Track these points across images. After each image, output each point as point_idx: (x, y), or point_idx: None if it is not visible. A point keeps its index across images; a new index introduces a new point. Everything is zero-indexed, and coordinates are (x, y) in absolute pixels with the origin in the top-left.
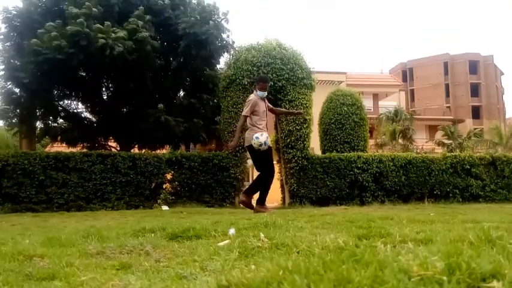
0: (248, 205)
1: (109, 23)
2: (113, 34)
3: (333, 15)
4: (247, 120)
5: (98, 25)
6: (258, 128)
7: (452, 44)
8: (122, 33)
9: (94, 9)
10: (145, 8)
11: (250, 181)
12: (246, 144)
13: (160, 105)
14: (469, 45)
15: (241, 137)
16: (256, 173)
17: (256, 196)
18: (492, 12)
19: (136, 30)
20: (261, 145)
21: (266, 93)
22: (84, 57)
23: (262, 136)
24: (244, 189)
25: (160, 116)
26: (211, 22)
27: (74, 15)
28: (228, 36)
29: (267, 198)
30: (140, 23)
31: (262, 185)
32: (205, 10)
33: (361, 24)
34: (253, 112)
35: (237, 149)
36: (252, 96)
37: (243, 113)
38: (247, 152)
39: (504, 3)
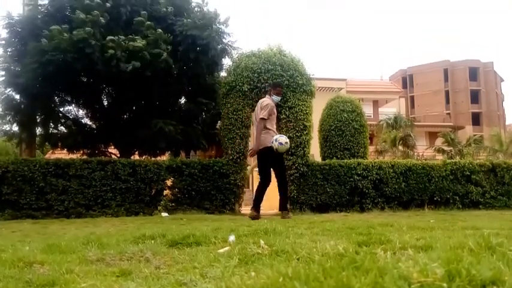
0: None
1: (123, 37)
2: (131, 42)
3: (333, 15)
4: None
5: (111, 37)
6: (273, 131)
7: (452, 45)
8: (140, 43)
9: (101, 18)
10: (149, 15)
11: (250, 188)
12: (261, 147)
13: (167, 121)
14: (469, 46)
15: (240, 143)
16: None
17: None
18: (493, 12)
19: (157, 43)
20: (281, 143)
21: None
22: (88, 63)
23: (282, 137)
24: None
25: (164, 126)
26: (214, 26)
27: (80, 21)
28: (228, 42)
29: (269, 205)
30: (164, 36)
31: (261, 192)
32: (205, 17)
33: (360, 26)
34: (269, 116)
35: (237, 155)
36: (269, 101)
37: (262, 116)
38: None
39: (505, 5)
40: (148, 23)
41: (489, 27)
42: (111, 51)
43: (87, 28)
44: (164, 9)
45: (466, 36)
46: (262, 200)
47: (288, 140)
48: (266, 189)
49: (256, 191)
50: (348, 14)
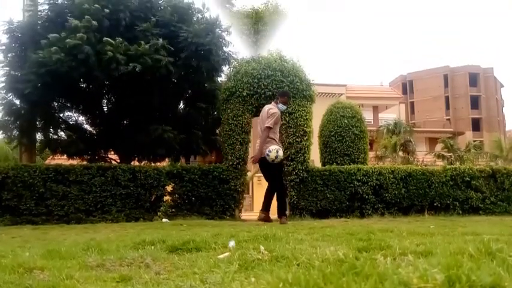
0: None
1: (120, 39)
2: (135, 46)
3: (333, 17)
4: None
5: (109, 39)
6: (276, 140)
7: (452, 48)
8: (144, 48)
9: (94, 22)
10: (152, 21)
11: (250, 193)
12: (263, 155)
13: (168, 127)
14: (469, 49)
15: (240, 149)
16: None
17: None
18: (493, 15)
19: (157, 50)
20: (275, 158)
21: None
22: (85, 70)
23: (278, 151)
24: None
25: (163, 132)
26: (216, 32)
27: (74, 27)
28: (229, 51)
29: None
30: (164, 44)
31: (275, 195)
32: (208, 22)
33: (361, 28)
34: (274, 125)
35: (237, 161)
36: (276, 110)
37: (268, 124)
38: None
39: (505, 7)
40: (157, 30)
41: (489, 30)
42: (109, 53)
43: (78, 34)
44: (168, 15)
45: (466, 38)
46: (270, 202)
47: (274, 150)
48: (274, 194)
49: (278, 196)
50: (348, 15)
